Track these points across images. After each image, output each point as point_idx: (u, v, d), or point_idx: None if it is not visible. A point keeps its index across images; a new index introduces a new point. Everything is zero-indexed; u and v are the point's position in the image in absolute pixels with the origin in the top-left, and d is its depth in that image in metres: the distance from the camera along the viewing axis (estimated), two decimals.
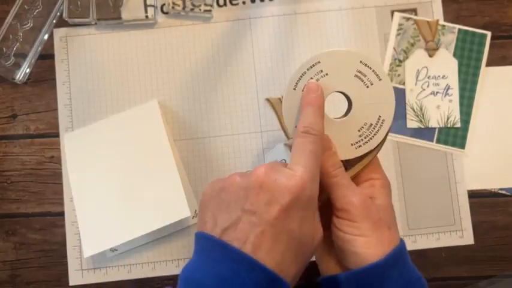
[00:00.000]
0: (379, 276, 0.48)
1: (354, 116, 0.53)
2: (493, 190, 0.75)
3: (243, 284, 0.42)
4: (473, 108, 0.75)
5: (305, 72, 0.53)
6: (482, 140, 0.75)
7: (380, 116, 0.53)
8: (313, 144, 0.48)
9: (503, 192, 0.75)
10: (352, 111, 0.53)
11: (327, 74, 0.53)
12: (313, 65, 0.53)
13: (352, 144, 0.54)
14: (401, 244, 0.50)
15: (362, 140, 0.54)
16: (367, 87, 0.53)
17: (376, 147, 0.54)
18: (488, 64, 0.76)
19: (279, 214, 0.43)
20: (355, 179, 0.53)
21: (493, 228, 0.75)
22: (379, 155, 0.55)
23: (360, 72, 0.52)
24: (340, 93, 0.54)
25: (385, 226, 0.49)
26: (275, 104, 0.74)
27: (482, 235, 0.74)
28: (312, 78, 0.53)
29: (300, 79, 0.53)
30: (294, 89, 0.54)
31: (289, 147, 0.68)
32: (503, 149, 0.75)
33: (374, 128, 0.53)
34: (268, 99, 0.74)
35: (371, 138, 0.53)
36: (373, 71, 0.52)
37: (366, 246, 0.48)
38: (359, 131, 0.53)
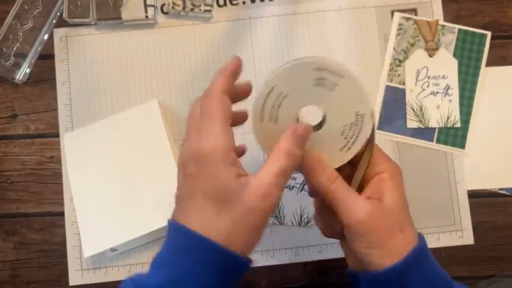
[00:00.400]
0: (397, 280, 0.47)
1: (331, 123, 0.50)
2: (493, 190, 0.75)
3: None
4: (473, 108, 0.75)
5: (265, 101, 0.50)
6: (482, 140, 0.75)
7: (357, 112, 0.50)
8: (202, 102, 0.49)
9: (503, 192, 0.75)
10: (328, 118, 0.50)
11: (286, 96, 0.49)
12: (270, 91, 0.49)
13: (340, 150, 0.51)
14: (420, 244, 0.48)
15: (349, 141, 0.51)
16: (333, 90, 0.49)
17: (368, 141, 0.51)
18: (488, 64, 0.76)
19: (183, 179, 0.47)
20: (364, 178, 0.52)
21: (493, 228, 0.75)
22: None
23: (319, 79, 0.48)
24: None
25: (397, 231, 0.47)
26: None
27: (482, 235, 0.74)
28: (274, 105, 0.50)
29: (263, 109, 0.50)
30: (262, 121, 0.50)
31: None
32: (503, 149, 0.75)
33: (356, 125, 0.50)
34: None
35: (357, 136, 0.51)
36: (331, 72, 0.48)
37: (380, 257, 0.47)
38: (342, 134, 0.51)
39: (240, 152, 0.58)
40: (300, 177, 0.73)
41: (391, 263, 0.46)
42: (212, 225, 0.44)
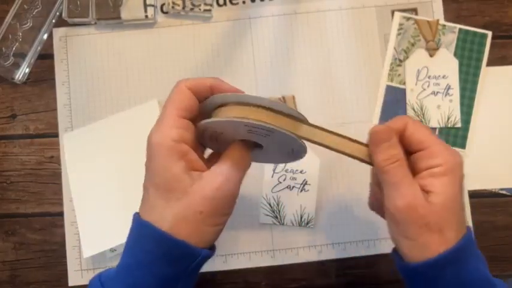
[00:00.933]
0: (424, 278, 0.47)
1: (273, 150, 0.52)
2: (493, 190, 0.75)
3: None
4: (474, 108, 0.75)
5: (202, 134, 0.51)
6: (483, 140, 0.75)
7: (292, 149, 0.52)
8: None
9: (504, 192, 0.75)
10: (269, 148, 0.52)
11: (221, 133, 0.50)
12: (204, 130, 0.50)
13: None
14: (458, 245, 0.46)
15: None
16: (267, 136, 0.48)
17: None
18: (489, 64, 0.76)
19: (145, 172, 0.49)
20: (414, 166, 0.49)
21: (493, 228, 0.75)
22: None
23: (250, 131, 0.48)
24: None
25: (434, 230, 0.46)
26: None
27: (483, 235, 0.74)
28: (211, 137, 0.51)
29: (203, 136, 0.51)
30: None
31: None
32: (504, 149, 0.75)
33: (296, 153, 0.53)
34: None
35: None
36: (261, 129, 0.47)
37: (409, 249, 0.47)
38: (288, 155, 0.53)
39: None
40: (300, 178, 0.73)
41: (418, 258, 0.46)
42: (161, 214, 0.46)
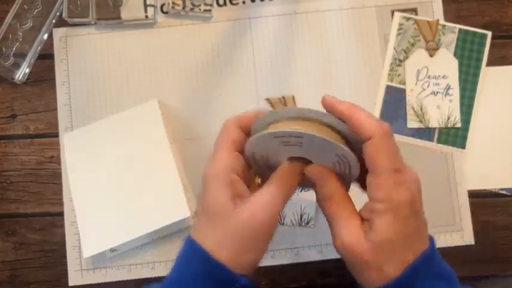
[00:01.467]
0: None
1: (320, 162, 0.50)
2: (493, 190, 0.75)
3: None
4: (474, 108, 0.75)
5: (255, 161, 0.52)
6: (483, 140, 0.75)
7: (336, 152, 0.47)
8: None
9: (504, 192, 0.75)
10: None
11: (268, 156, 0.51)
12: (253, 156, 0.52)
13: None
14: (398, 280, 0.45)
15: (345, 172, 0.50)
16: (301, 145, 0.48)
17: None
18: (489, 64, 0.76)
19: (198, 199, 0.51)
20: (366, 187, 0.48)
21: (493, 228, 0.75)
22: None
23: (283, 142, 0.48)
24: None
25: (373, 268, 0.45)
26: (275, 104, 0.75)
27: (483, 235, 0.74)
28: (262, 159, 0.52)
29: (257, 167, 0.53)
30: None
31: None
32: (504, 149, 0.76)
33: (343, 160, 0.48)
34: (268, 99, 0.75)
35: (349, 165, 0.48)
36: (288, 135, 0.47)
37: (361, 282, 0.48)
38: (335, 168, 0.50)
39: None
40: None
41: None
42: (205, 237, 0.48)
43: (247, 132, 0.52)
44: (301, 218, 0.73)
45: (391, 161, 0.47)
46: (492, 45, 0.77)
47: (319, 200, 0.50)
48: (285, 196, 0.49)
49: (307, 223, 0.73)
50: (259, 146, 0.50)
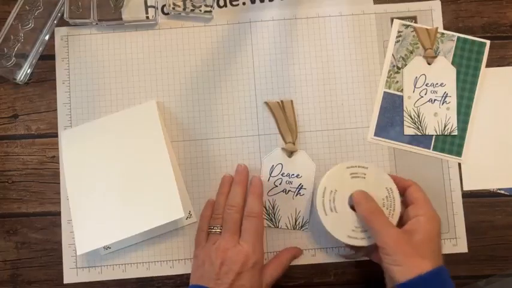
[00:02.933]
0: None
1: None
2: (492, 190, 0.76)
3: None
4: (471, 114, 0.75)
5: (323, 199, 0.69)
6: (482, 139, 0.76)
7: (386, 187, 0.69)
8: (254, 223, 0.69)
9: (502, 192, 0.76)
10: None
11: (336, 191, 0.69)
12: (324, 191, 0.69)
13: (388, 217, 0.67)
14: (437, 269, 0.61)
15: (390, 210, 0.69)
16: (364, 178, 0.69)
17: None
18: (487, 65, 0.77)
19: (234, 277, 0.66)
20: (406, 214, 0.68)
21: (492, 227, 0.75)
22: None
23: (352, 173, 0.69)
24: None
25: (417, 256, 0.61)
26: (273, 108, 0.75)
27: (481, 234, 0.75)
28: (330, 200, 0.69)
29: (323, 205, 0.69)
30: (326, 214, 0.69)
31: (286, 151, 0.73)
32: (503, 149, 0.76)
33: (390, 196, 0.69)
34: (267, 103, 0.75)
35: (394, 204, 0.69)
36: (358, 166, 0.69)
37: (401, 273, 0.61)
38: (383, 206, 0.68)
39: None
40: (295, 182, 0.74)
41: (408, 279, 0.60)
42: None
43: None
44: (295, 221, 0.74)
45: (425, 196, 0.68)
46: (490, 46, 0.77)
47: (363, 213, 0.66)
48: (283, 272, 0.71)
49: (302, 226, 0.74)
50: (333, 179, 0.69)
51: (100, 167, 0.73)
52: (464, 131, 0.75)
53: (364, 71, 0.77)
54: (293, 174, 0.74)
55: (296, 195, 0.74)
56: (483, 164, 0.76)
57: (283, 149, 0.75)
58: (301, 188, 0.74)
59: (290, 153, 0.75)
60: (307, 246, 0.74)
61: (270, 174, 0.75)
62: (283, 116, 0.76)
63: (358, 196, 0.68)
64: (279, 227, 0.74)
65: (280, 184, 0.75)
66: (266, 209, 0.74)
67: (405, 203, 0.69)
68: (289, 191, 0.74)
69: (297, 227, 0.74)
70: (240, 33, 0.78)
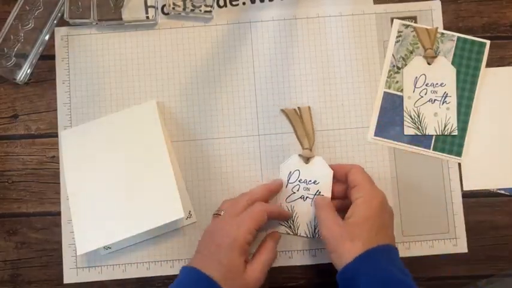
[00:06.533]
0: (349, 279, 0.62)
1: None
2: (492, 190, 0.76)
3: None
4: (471, 114, 0.75)
5: None
6: (482, 139, 0.76)
7: None
8: (256, 207, 0.69)
9: (502, 192, 0.76)
10: None
11: None
12: None
13: None
14: (366, 252, 0.61)
15: None
16: None
17: None
18: (487, 65, 0.77)
19: (213, 249, 0.65)
20: (349, 199, 0.69)
21: (491, 227, 0.75)
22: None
23: None
24: None
25: (346, 240, 0.63)
26: (290, 115, 0.75)
27: (481, 234, 0.75)
28: None
29: None
30: None
31: (303, 157, 0.73)
32: (503, 149, 0.76)
33: None
34: (283, 111, 0.75)
35: None
36: None
37: (335, 260, 0.64)
38: None
39: (286, 216, 0.74)
40: (313, 188, 0.74)
41: (342, 266, 0.62)
42: (224, 283, 0.63)
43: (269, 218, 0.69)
44: (314, 229, 0.74)
45: (364, 176, 0.69)
46: (490, 46, 0.77)
47: (315, 209, 0.71)
48: (269, 261, 0.69)
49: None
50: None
51: (100, 167, 0.73)
52: (464, 131, 0.75)
53: (364, 71, 0.77)
54: (310, 181, 0.74)
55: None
56: (483, 164, 0.76)
57: (300, 155, 0.75)
58: (318, 194, 0.73)
59: (307, 159, 0.74)
60: (308, 246, 0.74)
61: (288, 181, 0.75)
62: (300, 122, 0.76)
63: (316, 201, 0.72)
64: (298, 234, 0.74)
65: (298, 191, 0.74)
66: None
67: (349, 188, 0.70)
68: (307, 197, 0.74)
69: (316, 235, 0.74)
70: (240, 33, 0.78)
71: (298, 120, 0.76)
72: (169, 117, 0.76)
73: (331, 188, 0.73)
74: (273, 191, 0.73)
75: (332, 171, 0.73)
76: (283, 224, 0.74)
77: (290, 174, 0.74)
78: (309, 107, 0.76)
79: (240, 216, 0.68)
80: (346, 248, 0.62)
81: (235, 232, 0.65)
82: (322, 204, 0.70)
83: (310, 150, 0.75)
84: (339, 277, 0.63)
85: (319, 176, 0.74)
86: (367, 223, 0.64)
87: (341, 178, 0.72)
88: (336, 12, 0.78)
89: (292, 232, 0.74)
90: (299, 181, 0.74)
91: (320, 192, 0.73)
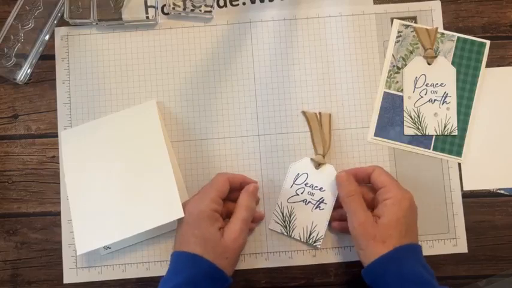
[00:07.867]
0: (375, 272, 0.65)
1: None
2: (492, 190, 0.76)
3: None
4: (472, 115, 0.75)
5: None
6: (482, 140, 0.76)
7: None
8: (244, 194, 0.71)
9: (502, 192, 0.76)
10: None
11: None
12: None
13: None
14: (396, 249, 0.64)
15: None
16: None
17: None
18: (487, 65, 0.77)
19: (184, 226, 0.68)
20: (376, 199, 0.69)
21: (492, 227, 0.76)
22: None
23: None
24: None
25: (378, 241, 0.64)
26: (310, 118, 0.75)
27: (482, 234, 0.75)
28: None
29: None
30: None
31: (314, 162, 0.73)
32: (503, 150, 0.76)
33: None
34: (304, 112, 0.75)
35: None
36: None
37: (363, 257, 0.66)
38: None
39: (258, 218, 0.75)
40: (317, 195, 0.74)
41: (371, 260, 0.64)
42: (203, 253, 0.65)
43: (231, 188, 0.71)
44: (310, 234, 0.74)
45: (390, 177, 0.70)
46: (490, 46, 0.77)
47: (343, 197, 0.69)
48: (245, 219, 0.68)
49: (315, 242, 0.74)
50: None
51: (100, 167, 0.73)
52: (464, 131, 0.75)
53: (364, 71, 0.77)
54: (316, 187, 0.74)
55: (315, 208, 0.74)
56: (483, 164, 0.76)
57: (312, 159, 0.75)
58: (322, 201, 0.73)
59: (318, 165, 0.74)
60: (307, 246, 0.74)
61: (294, 182, 0.75)
62: (318, 127, 0.75)
63: (340, 178, 0.70)
64: (292, 236, 0.74)
65: (301, 193, 0.74)
66: (283, 215, 0.74)
67: (374, 189, 0.70)
68: (309, 202, 0.74)
69: (310, 241, 0.74)
70: (240, 33, 0.78)
71: (317, 124, 0.75)
72: (169, 117, 0.76)
73: (335, 199, 0.73)
74: (246, 182, 0.73)
75: None
76: (279, 222, 0.74)
77: (298, 175, 0.75)
78: (330, 114, 0.76)
79: (201, 189, 0.70)
80: (378, 249, 0.64)
81: (198, 205, 0.67)
82: (353, 192, 0.69)
83: (323, 156, 0.75)
84: (366, 272, 0.66)
85: (327, 184, 0.74)
86: (399, 224, 0.65)
87: (363, 180, 0.72)
88: (335, 12, 0.78)
89: (287, 233, 0.74)
90: (305, 184, 0.74)
91: (324, 200, 0.73)
